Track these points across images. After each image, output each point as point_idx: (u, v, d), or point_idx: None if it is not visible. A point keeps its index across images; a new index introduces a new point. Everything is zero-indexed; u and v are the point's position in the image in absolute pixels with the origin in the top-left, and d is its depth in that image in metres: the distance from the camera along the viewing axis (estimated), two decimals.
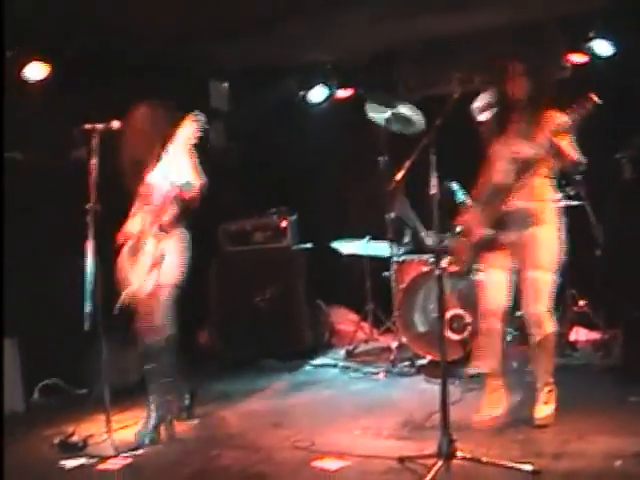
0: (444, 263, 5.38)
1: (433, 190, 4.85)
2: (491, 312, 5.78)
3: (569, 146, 5.51)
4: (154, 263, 6.10)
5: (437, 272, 4.94)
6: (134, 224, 6.27)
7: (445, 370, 4.95)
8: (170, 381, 6.24)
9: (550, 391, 5.72)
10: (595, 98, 5.19)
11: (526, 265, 5.67)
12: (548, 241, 5.66)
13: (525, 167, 5.57)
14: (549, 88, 5.85)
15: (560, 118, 5.42)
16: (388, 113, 8.08)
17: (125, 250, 6.26)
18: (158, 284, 6.09)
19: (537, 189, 5.67)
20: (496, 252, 5.75)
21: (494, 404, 5.78)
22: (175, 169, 6.12)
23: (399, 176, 5.08)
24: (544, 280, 5.63)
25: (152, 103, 6.35)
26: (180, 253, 6.26)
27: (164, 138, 6.16)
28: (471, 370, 6.61)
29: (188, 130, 6.05)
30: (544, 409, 5.66)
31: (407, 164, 5.03)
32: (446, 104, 5.10)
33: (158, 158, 6.22)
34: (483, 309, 5.85)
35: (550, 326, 5.66)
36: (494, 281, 5.78)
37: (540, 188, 5.69)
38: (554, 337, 5.71)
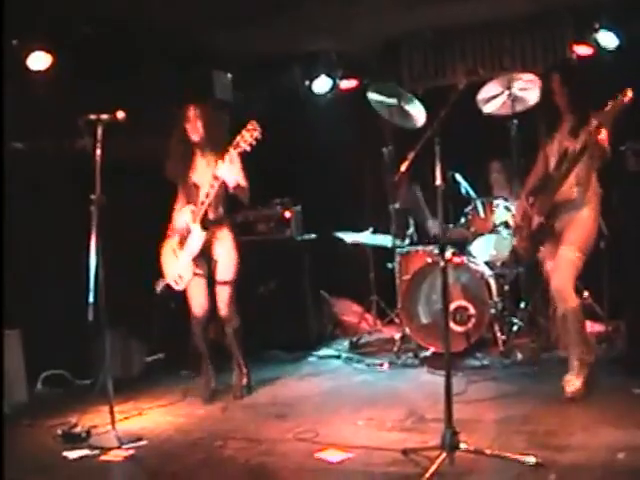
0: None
1: (438, 181, 4.83)
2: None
3: (605, 140, 5.92)
4: (198, 255, 6.65)
5: (442, 264, 4.92)
6: (183, 217, 6.66)
7: (449, 362, 4.93)
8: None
9: (581, 365, 6.00)
10: (630, 93, 5.63)
11: (561, 242, 6.07)
12: (583, 221, 6.05)
13: (571, 160, 5.98)
14: (585, 91, 6.16)
15: (598, 115, 5.81)
16: (390, 102, 8.08)
17: (172, 242, 6.73)
18: (219, 281, 6.78)
19: (581, 178, 6.04)
20: (550, 242, 6.21)
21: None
22: (233, 172, 6.51)
23: (404, 167, 5.07)
24: (570, 256, 6.00)
25: (203, 103, 6.78)
26: (232, 249, 6.84)
27: (214, 138, 6.68)
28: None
29: (247, 138, 6.31)
30: (575, 382, 5.94)
31: (412, 155, 5.03)
32: (451, 95, 5.07)
33: (204, 155, 6.71)
34: (552, 293, 6.19)
35: (573, 300, 5.98)
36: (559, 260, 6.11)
37: (584, 177, 6.04)
38: (577, 310, 6.00)
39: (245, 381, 7.06)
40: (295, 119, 10.10)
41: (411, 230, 8.49)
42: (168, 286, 6.78)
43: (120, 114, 6.00)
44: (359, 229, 8.90)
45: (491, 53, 9.16)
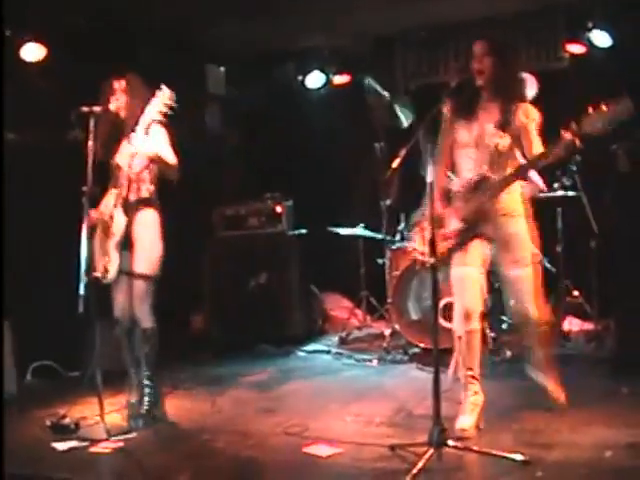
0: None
1: (429, 178, 4.82)
2: (472, 313, 5.43)
3: (537, 142, 5.32)
4: (120, 243, 5.93)
5: (431, 261, 4.91)
6: (107, 202, 6.10)
7: (437, 359, 4.93)
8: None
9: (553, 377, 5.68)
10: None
11: (509, 263, 5.46)
12: (523, 235, 5.47)
13: (501, 159, 5.36)
14: (517, 69, 5.70)
15: (534, 111, 5.33)
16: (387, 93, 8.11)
17: (98, 230, 6.09)
18: (132, 272, 5.99)
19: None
20: (470, 248, 5.44)
21: (473, 409, 5.46)
22: (150, 144, 5.85)
23: (395, 164, 5.07)
24: (525, 276, 5.45)
25: (130, 74, 6.19)
26: (153, 239, 6.07)
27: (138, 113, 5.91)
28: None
29: (156, 104, 5.74)
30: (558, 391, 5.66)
31: (403, 152, 5.03)
32: (443, 93, 5.08)
33: (130, 132, 5.97)
34: (464, 309, 5.45)
35: (542, 315, 5.58)
36: (470, 279, 5.45)
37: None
38: (548, 327, 5.68)
39: (145, 408, 6.08)
40: (288, 114, 10.13)
41: (402, 226, 8.48)
42: (96, 279, 5.91)
43: (112, 106, 5.99)
44: (350, 225, 8.90)
45: None
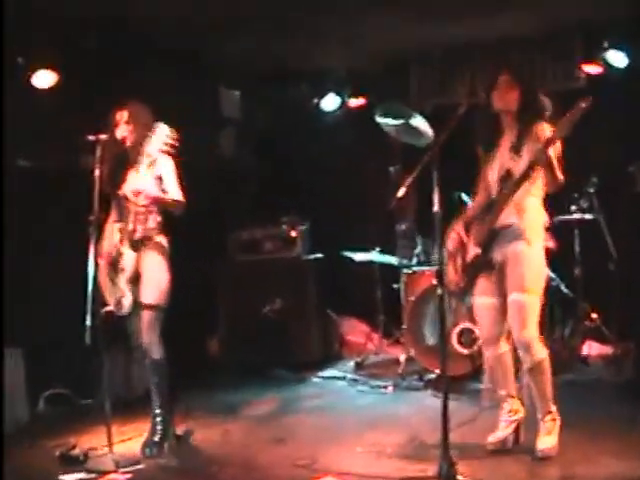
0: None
1: (435, 207, 4.74)
2: (494, 339, 5.47)
3: (558, 164, 5.15)
4: (131, 278, 5.93)
5: (439, 291, 4.83)
6: (112, 238, 6.06)
7: (447, 388, 4.86)
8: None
9: (553, 419, 5.37)
10: (585, 104, 4.93)
11: (511, 287, 5.29)
12: (534, 261, 5.30)
13: (513, 183, 5.24)
14: (537, 99, 5.50)
15: (550, 131, 5.14)
16: (399, 122, 7.96)
17: (105, 265, 6.05)
18: (141, 303, 5.96)
19: (524, 206, 5.30)
20: (487, 275, 5.41)
21: (507, 425, 5.49)
22: (151, 184, 5.90)
23: (401, 193, 5.00)
24: (530, 303, 5.25)
25: (131, 104, 6.16)
26: (160, 269, 6.03)
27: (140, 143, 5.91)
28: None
29: (155, 141, 5.72)
30: (547, 440, 5.31)
31: (410, 180, 4.97)
32: (451, 119, 5.00)
33: (135, 162, 5.98)
34: (484, 338, 5.60)
35: (541, 351, 5.30)
36: (485, 307, 5.46)
37: (527, 205, 5.32)
38: (546, 363, 5.32)
39: (157, 437, 6.05)
40: (303, 136, 10.08)
41: (418, 250, 8.39)
42: (111, 313, 5.97)
43: (119, 133, 5.96)
44: (366, 249, 8.82)
45: None
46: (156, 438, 6.03)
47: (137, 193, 5.82)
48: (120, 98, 6.19)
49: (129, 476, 5.52)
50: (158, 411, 6.09)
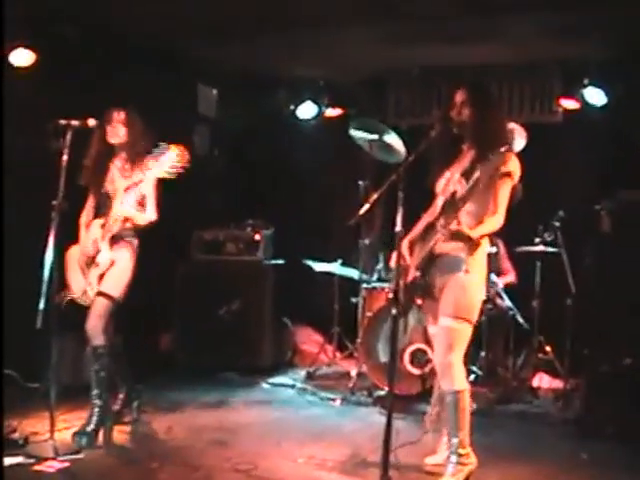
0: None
1: (398, 227, 4.73)
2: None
3: (502, 199, 5.03)
4: (104, 273, 6.10)
5: (393, 311, 4.82)
6: (91, 233, 6.22)
7: (392, 407, 4.86)
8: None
9: (460, 463, 5.11)
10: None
11: (442, 311, 5.13)
12: (469, 290, 5.10)
13: (452, 207, 4.99)
14: (497, 119, 5.30)
15: (514, 164, 5.05)
16: (373, 137, 7.95)
17: (77, 256, 6.27)
18: (100, 291, 6.09)
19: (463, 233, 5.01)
20: (430, 298, 5.23)
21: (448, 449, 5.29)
22: (131, 204, 6.11)
23: (363, 210, 5.00)
24: (459, 330, 5.10)
25: (129, 108, 6.27)
26: (125, 267, 6.18)
27: (135, 148, 6.17)
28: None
29: (163, 163, 5.76)
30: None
31: (374, 197, 4.96)
32: (423, 141, 5.01)
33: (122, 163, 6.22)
34: (436, 362, 5.39)
35: (461, 382, 5.15)
36: (433, 336, 5.38)
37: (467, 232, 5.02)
38: (464, 396, 5.13)
39: (90, 427, 6.08)
40: (277, 142, 10.07)
41: (380, 266, 8.39)
42: (72, 301, 6.21)
43: (91, 122, 5.94)
44: (329, 259, 8.83)
45: None
46: (89, 428, 6.05)
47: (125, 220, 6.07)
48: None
49: (67, 465, 5.47)
50: (96, 401, 6.14)
